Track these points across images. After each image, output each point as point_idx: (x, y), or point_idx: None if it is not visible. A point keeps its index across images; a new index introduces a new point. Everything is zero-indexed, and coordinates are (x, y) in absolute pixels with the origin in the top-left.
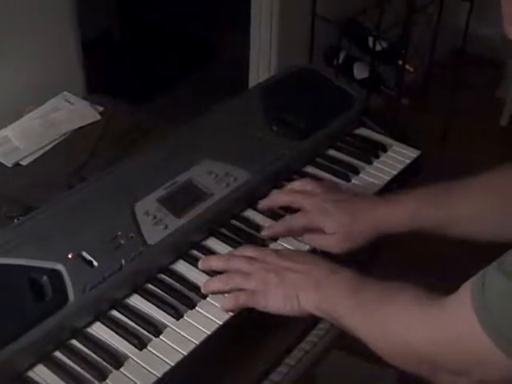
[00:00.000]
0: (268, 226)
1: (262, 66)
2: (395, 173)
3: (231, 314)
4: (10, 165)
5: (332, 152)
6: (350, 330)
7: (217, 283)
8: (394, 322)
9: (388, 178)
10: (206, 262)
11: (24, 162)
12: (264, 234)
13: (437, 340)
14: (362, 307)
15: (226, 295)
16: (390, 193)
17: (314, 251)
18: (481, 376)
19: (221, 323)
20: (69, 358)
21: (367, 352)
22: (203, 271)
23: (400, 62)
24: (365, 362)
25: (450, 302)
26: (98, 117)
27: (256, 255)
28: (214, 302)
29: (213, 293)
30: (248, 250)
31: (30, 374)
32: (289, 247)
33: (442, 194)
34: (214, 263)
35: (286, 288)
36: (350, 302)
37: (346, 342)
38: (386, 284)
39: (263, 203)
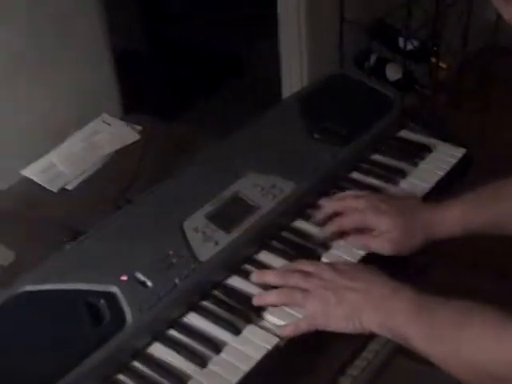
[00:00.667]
0: (322, 228)
1: (293, 76)
2: (443, 174)
3: None
4: (55, 190)
5: (376, 156)
6: (419, 350)
7: (273, 298)
8: (468, 345)
9: (436, 178)
10: (260, 275)
11: (69, 187)
12: (318, 235)
13: None
14: (432, 330)
15: (283, 322)
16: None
17: (366, 260)
18: None
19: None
20: (132, 380)
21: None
22: (257, 284)
23: (433, 60)
24: (429, 368)
25: None
26: (138, 136)
27: (313, 270)
28: (271, 316)
29: (266, 305)
30: (304, 265)
31: None
32: (342, 255)
33: (489, 195)
34: (269, 277)
35: (346, 308)
36: (420, 323)
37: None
38: (453, 304)
39: (318, 216)
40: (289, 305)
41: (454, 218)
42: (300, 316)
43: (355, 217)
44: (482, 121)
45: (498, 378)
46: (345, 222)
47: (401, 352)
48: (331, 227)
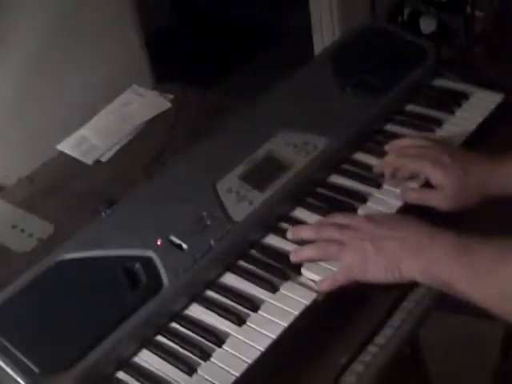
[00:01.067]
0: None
1: (325, 33)
2: (481, 119)
3: None
4: (90, 163)
5: (411, 107)
6: (462, 293)
7: (309, 252)
8: (510, 281)
9: (474, 126)
10: (295, 231)
11: (103, 159)
12: (375, 170)
13: None
14: (475, 269)
15: (319, 277)
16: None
17: (403, 211)
18: None
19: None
20: (171, 341)
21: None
22: (294, 241)
23: (468, 10)
24: (470, 317)
25: None
26: (169, 105)
27: (348, 222)
28: (309, 272)
29: (303, 261)
30: (339, 218)
31: (136, 359)
32: (379, 208)
33: None
34: (304, 233)
35: (384, 257)
36: (460, 265)
37: (447, 302)
38: (495, 243)
39: (377, 169)
40: (325, 258)
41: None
42: (336, 269)
43: (413, 165)
44: None
45: None
46: (404, 166)
47: (439, 306)
48: (388, 168)
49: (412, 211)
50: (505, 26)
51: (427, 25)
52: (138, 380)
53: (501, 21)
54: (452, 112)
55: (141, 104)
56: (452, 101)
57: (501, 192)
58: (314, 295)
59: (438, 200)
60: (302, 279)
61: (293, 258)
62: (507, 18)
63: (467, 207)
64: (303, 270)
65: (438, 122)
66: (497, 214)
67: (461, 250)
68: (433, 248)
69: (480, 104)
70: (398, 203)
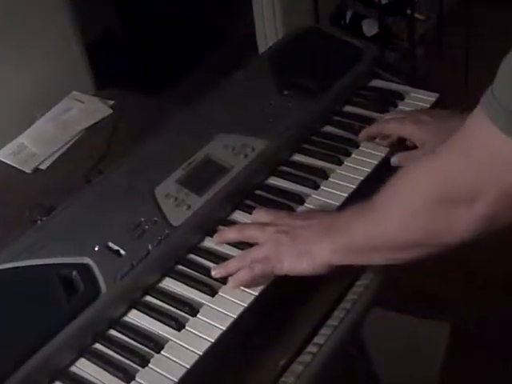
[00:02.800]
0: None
1: (269, 36)
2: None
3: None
4: (29, 171)
5: (349, 108)
6: (364, 242)
7: (235, 263)
8: (401, 183)
9: None
10: (220, 235)
11: (43, 166)
12: (360, 136)
13: (449, 168)
14: (367, 208)
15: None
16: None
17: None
18: (497, 192)
19: (257, 294)
20: (109, 349)
21: (416, 308)
22: (230, 244)
23: (409, 12)
24: (415, 317)
25: (459, 131)
26: (110, 110)
27: (269, 220)
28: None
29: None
30: (262, 215)
31: (73, 368)
32: (314, 208)
33: None
34: (228, 235)
35: (298, 245)
36: (357, 218)
37: (388, 301)
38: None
39: (362, 135)
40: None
41: None
42: None
43: (394, 125)
44: (465, 70)
45: (438, 199)
46: (385, 127)
47: (376, 304)
48: (373, 129)
49: None
50: (445, 29)
51: (369, 27)
52: None
53: (441, 24)
54: (387, 111)
55: (81, 110)
56: (388, 101)
57: None
58: (252, 297)
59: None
60: None
61: (214, 272)
62: (447, 21)
63: None
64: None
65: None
66: None
67: (359, 209)
68: (337, 223)
69: (415, 104)
70: (335, 203)
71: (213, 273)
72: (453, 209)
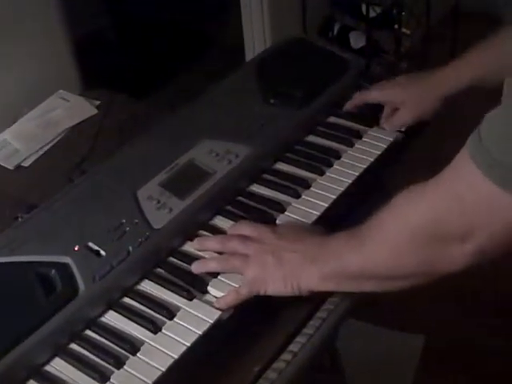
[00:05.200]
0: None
1: (257, 45)
2: (395, 135)
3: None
4: (11, 167)
5: (333, 119)
6: (355, 271)
7: (212, 264)
8: (390, 218)
9: (391, 138)
10: (201, 243)
11: (25, 164)
12: (345, 108)
13: (438, 208)
14: (357, 237)
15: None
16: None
17: (321, 221)
18: (487, 231)
19: None
20: (85, 349)
21: (390, 320)
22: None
23: (396, 26)
24: (389, 329)
25: (447, 169)
26: (95, 111)
27: (252, 234)
28: (225, 280)
29: (208, 272)
30: (244, 228)
31: (48, 368)
32: (296, 217)
33: (489, 43)
34: (209, 244)
35: (284, 269)
36: (347, 246)
37: (364, 312)
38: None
39: (347, 106)
40: (228, 271)
41: (463, 71)
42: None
43: (376, 91)
44: None
45: (428, 235)
46: (367, 95)
47: (351, 315)
48: (354, 100)
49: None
50: (431, 45)
51: (357, 40)
52: None
53: (427, 38)
54: (370, 126)
55: (66, 109)
56: (372, 114)
57: (456, 91)
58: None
59: (402, 114)
60: (219, 287)
61: (195, 269)
62: (433, 36)
63: (433, 115)
64: (209, 288)
65: (358, 135)
66: None
67: (346, 238)
68: (325, 251)
69: None
70: (315, 213)
71: (192, 267)
72: (443, 245)
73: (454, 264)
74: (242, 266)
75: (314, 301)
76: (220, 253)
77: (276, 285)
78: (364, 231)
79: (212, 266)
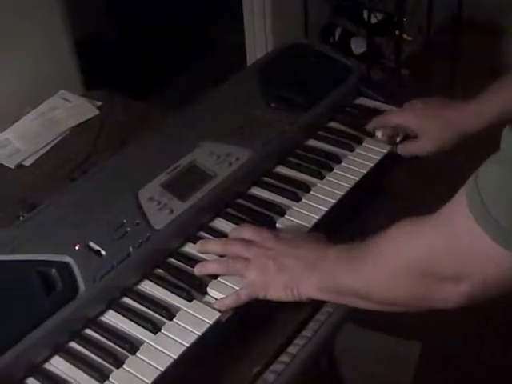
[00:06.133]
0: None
1: (258, 53)
2: (398, 140)
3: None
4: (13, 166)
5: (333, 124)
6: (350, 289)
7: (214, 267)
8: (388, 247)
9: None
10: (203, 245)
11: (27, 163)
12: (367, 127)
13: (434, 247)
14: (354, 258)
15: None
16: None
17: (320, 225)
18: (481, 277)
19: None
20: (84, 348)
21: (389, 325)
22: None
23: (397, 32)
24: (387, 335)
25: (445, 209)
26: (97, 111)
27: (254, 238)
28: (225, 282)
29: (207, 274)
30: (246, 232)
31: (47, 366)
32: (295, 220)
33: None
34: (211, 247)
35: (284, 275)
36: (344, 264)
37: (362, 317)
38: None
39: (369, 127)
40: (229, 274)
41: (488, 108)
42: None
43: (395, 116)
44: (450, 92)
45: (422, 273)
46: (388, 119)
47: (349, 319)
48: (377, 121)
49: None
50: (432, 52)
51: (358, 45)
52: None
53: (427, 46)
54: (373, 134)
55: (68, 109)
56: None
57: (480, 128)
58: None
59: (423, 144)
60: (218, 288)
61: (197, 271)
62: (434, 43)
63: (451, 147)
64: (209, 290)
65: (359, 141)
66: None
67: (344, 254)
68: (324, 261)
69: None
70: (315, 217)
71: (195, 269)
72: (436, 284)
73: (447, 303)
74: (243, 269)
75: (312, 304)
76: (221, 256)
77: (276, 290)
78: (362, 254)
79: (214, 269)
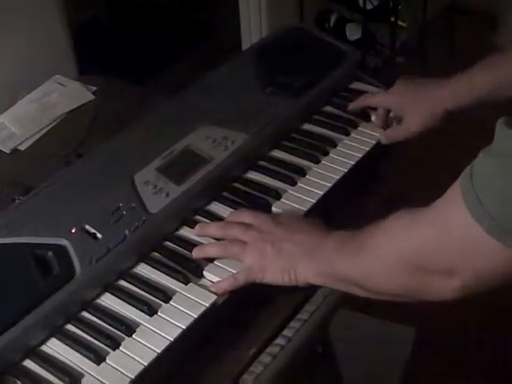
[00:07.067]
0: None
1: (253, 33)
2: (395, 124)
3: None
4: (8, 151)
5: (329, 108)
6: (347, 277)
7: (212, 250)
8: (383, 239)
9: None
10: (201, 228)
11: (22, 147)
12: (348, 109)
13: (428, 241)
14: (351, 248)
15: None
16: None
17: (316, 208)
18: (473, 271)
19: None
20: (81, 330)
21: (382, 310)
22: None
23: (392, 19)
24: (383, 320)
25: (440, 201)
26: (92, 96)
27: (253, 222)
28: (221, 265)
29: (205, 258)
30: (245, 216)
31: (44, 347)
32: (291, 204)
33: (492, 61)
34: (210, 231)
35: (282, 259)
36: (342, 252)
37: (357, 301)
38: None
39: (351, 107)
40: (227, 257)
41: (465, 88)
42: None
43: (376, 96)
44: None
45: (415, 265)
46: (369, 100)
47: (343, 304)
48: (359, 103)
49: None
50: (427, 38)
51: (353, 32)
52: (44, 368)
53: (422, 33)
54: (367, 114)
55: (63, 94)
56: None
57: (465, 104)
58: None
59: (408, 127)
60: (214, 271)
61: (195, 254)
62: (430, 30)
63: (436, 127)
64: (205, 273)
65: (354, 125)
66: None
67: (344, 241)
68: (323, 247)
69: None
70: (311, 200)
71: (193, 252)
72: (430, 276)
73: (441, 295)
74: (241, 253)
75: (308, 287)
76: (218, 239)
77: (273, 274)
78: (358, 244)
79: (212, 252)
